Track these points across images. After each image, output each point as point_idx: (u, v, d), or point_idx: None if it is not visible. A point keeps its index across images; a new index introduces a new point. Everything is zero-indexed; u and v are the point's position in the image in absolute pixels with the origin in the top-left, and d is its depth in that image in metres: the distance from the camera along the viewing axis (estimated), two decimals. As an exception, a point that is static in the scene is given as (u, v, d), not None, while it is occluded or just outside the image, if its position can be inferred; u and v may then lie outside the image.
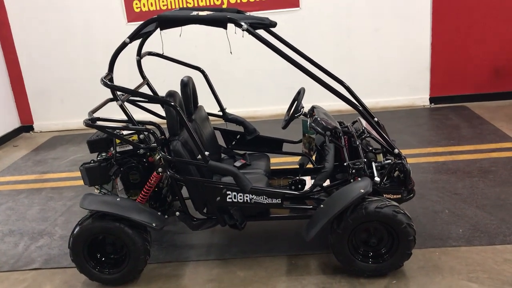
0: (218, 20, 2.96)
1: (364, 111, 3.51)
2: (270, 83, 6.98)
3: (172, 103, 3.03)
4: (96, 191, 3.47)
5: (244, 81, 7.03)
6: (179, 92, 3.55)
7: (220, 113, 4.08)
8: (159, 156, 3.24)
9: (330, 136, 3.26)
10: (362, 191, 2.89)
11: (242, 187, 3.10)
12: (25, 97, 7.27)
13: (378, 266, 3.04)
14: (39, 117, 7.37)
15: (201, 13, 3.05)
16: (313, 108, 3.60)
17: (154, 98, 3.25)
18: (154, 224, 3.07)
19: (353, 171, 3.11)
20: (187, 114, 3.60)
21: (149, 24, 2.97)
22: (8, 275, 3.48)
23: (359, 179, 3.07)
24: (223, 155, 4.04)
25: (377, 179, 3.06)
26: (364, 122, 3.56)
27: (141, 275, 3.29)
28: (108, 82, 2.96)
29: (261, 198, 3.16)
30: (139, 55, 3.78)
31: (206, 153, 3.06)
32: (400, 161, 3.19)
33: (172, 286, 3.19)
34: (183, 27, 3.08)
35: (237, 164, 3.75)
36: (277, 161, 4.55)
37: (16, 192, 4.99)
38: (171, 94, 3.38)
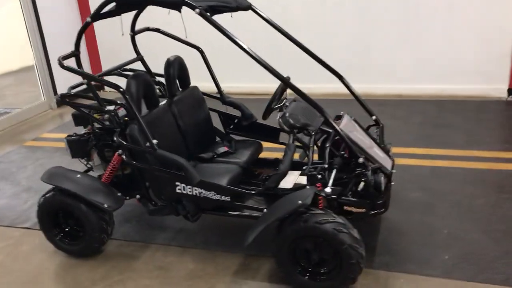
0: (171, 2, 2.79)
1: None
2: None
3: (121, 89, 2.97)
4: (83, 164, 3.59)
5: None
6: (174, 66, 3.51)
7: (218, 95, 3.93)
8: None
9: (295, 136, 2.96)
10: (299, 202, 2.60)
11: (189, 180, 2.98)
12: (98, 57, 7.74)
13: (318, 284, 2.74)
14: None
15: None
16: (291, 101, 3.29)
17: (106, 82, 3.17)
18: (105, 205, 3.09)
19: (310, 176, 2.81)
20: (169, 95, 3.52)
21: (107, 4, 2.91)
22: (3, 230, 3.81)
23: (310, 186, 2.77)
24: (218, 139, 3.92)
25: (328, 189, 2.72)
26: (345, 120, 3.17)
27: (105, 250, 3.39)
28: (64, 63, 2.99)
29: (210, 193, 3.01)
30: (133, 31, 3.75)
31: (154, 141, 2.97)
32: (360, 172, 2.80)
33: (123, 266, 3.22)
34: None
35: (220, 150, 3.60)
36: (274, 148, 4.29)
37: (55, 150, 5.39)
38: (168, 62, 3.44)
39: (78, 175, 3.22)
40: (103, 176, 3.32)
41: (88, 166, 3.56)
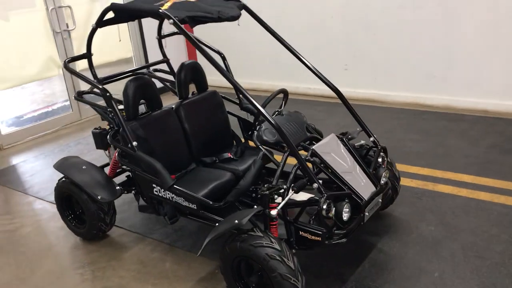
0: (152, 12, 2.90)
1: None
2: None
3: (108, 94, 3.17)
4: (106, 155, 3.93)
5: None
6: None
7: (237, 101, 3.95)
8: None
9: (264, 152, 2.88)
10: (236, 222, 2.54)
11: (161, 184, 3.08)
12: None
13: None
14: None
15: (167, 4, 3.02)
16: (280, 113, 3.18)
17: (93, 84, 3.39)
18: (99, 197, 3.36)
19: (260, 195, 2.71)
20: (179, 98, 3.65)
21: (107, 13, 3.13)
22: (45, 205, 4.36)
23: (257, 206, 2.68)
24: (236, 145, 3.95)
25: (273, 212, 2.60)
26: (325, 140, 2.96)
27: (109, 236, 3.69)
28: (68, 65, 3.30)
29: (179, 199, 3.08)
30: (159, 34, 3.95)
31: (134, 143, 3.13)
32: (311, 199, 2.62)
33: (113, 254, 3.47)
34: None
35: (224, 156, 3.64)
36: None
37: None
38: (181, 67, 3.57)
39: (84, 166, 3.54)
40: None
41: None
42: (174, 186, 3.06)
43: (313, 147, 2.87)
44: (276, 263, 2.45)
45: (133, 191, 3.52)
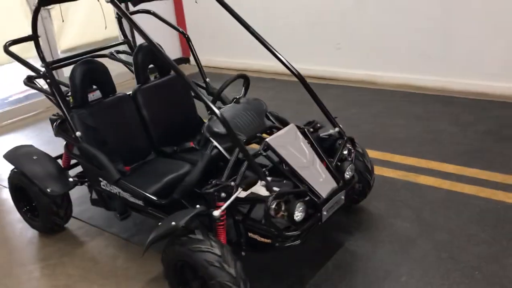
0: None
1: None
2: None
3: (51, 79, 2.94)
4: None
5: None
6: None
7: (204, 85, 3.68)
8: None
9: (214, 145, 2.63)
10: (173, 224, 2.30)
11: (107, 178, 2.86)
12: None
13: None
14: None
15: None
16: (233, 100, 2.92)
17: (33, 68, 3.16)
18: (49, 190, 3.14)
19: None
20: (138, 82, 3.39)
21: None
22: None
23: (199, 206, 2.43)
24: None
25: (216, 213, 2.35)
26: (280, 132, 2.69)
27: (67, 229, 3.50)
28: (9, 49, 3.05)
29: (126, 194, 2.85)
30: (118, 13, 3.67)
31: (78, 133, 2.90)
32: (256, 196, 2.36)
33: (67, 250, 3.27)
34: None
35: (186, 146, 3.38)
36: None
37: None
38: (138, 49, 3.30)
39: (36, 157, 3.31)
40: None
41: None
42: (120, 180, 2.83)
43: (267, 139, 2.60)
44: (216, 269, 2.21)
45: (86, 183, 3.30)
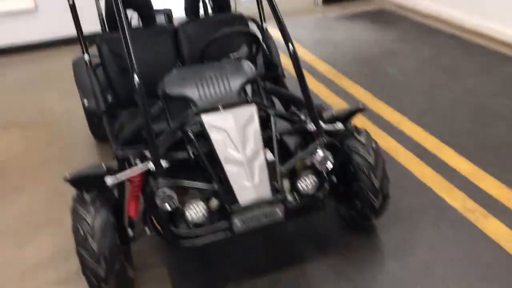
0: None
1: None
2: None
3: None
4: None
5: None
6: None
7: None
8: None
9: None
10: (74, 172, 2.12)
11: None
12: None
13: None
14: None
15: None
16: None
17: None
18: None
19: None
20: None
21: None
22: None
23: None
24: None
25: (108, 180, 2.07)
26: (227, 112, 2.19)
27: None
28: None
29: None
30: None
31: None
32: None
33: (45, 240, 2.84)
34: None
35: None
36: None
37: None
38: None
39: None
40: None
41: None
42: None
43: (202, 115, 2.16)
44: (81, 241, 2.03)
45: None
